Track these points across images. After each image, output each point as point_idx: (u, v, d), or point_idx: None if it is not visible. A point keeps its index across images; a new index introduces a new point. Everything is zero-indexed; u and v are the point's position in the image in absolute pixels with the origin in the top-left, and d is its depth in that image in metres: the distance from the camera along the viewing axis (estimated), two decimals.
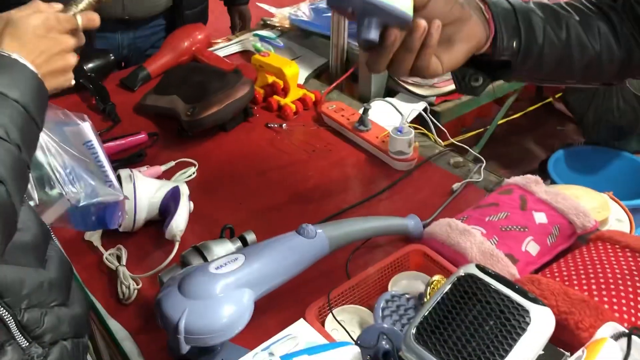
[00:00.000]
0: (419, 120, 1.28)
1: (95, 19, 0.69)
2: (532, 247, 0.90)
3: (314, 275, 0.85)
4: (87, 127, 0.68)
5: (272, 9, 1.72)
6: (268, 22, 1.69)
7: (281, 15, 1.68)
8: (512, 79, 0.79)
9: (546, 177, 1.90)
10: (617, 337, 0.66)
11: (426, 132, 1.23)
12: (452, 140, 1.21)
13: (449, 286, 0.66)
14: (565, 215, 0.95)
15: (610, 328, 0.67)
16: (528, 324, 0.60)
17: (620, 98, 1.77)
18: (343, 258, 0.92)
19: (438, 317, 0.64)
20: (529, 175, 1.02)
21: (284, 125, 1.28)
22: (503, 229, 0.91)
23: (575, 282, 0.83)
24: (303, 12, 1.66)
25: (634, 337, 0.66)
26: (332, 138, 1.25)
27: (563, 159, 1.95)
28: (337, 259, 0.91)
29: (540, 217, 0.94)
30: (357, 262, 0.93)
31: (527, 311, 0.61)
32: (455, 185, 1.08)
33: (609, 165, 1.96)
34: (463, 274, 0.66)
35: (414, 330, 0.63)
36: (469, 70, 0.73)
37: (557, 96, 2.04)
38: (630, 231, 1.53)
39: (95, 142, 0.68)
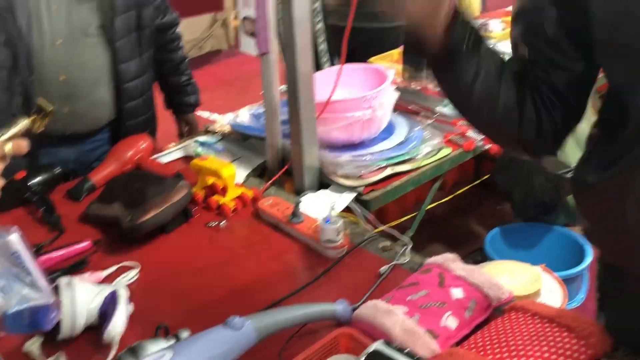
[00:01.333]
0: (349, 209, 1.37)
1: (23, 146, 0.76)
2: (451, 322, 0.97)
3: None
4: (13, 239, 0.73)
5: (214, 116, 1.84)
6: (209, 128, 1.81)
7: (222, 122, 1.80)
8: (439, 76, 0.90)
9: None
10: None
11: (356, 219, 1.31)
12: (383, 227, 1.30)
13: None
14: (480, 289, 1.02)
15: None
16: None
17: (541, 176, 1.91)
18: (278, 347, 0.96)
19: None
20: (446, 254, 1.10)
21: (222, 223, 1.34)
22: (423, 307, 0.98)
23: (489, 351, 0.89)
24: (242, 117, 1.78)
25: None
26: (269, 231, 1.32)
27: (499, 236, 2.05)
28: (273, 348, 0.95)
29: (457, 293, 1.01)
30: (292, 350, 0.96)
31: None
32: (383, 268, 1.15)
33: (542, 239, 2.07)
34: (372, 351, 0.72)
35: None
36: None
37: (484, 178, 2.18)
38: (563, 299, 1.62)
39: (22, 252, 0.74)
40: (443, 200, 1.86)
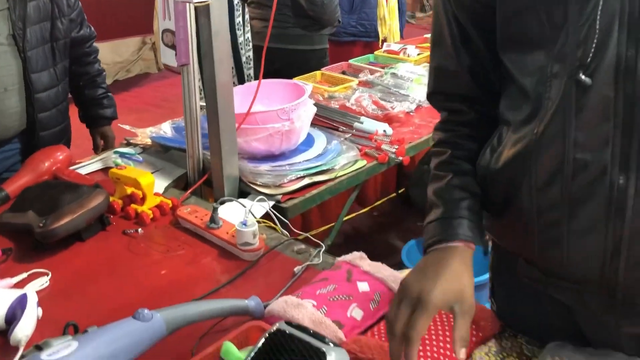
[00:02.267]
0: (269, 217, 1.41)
1: None
2: (356, 313, 1.02)
3: None
4: None
5: (134, 129, 1.84)
6: (131, 141, 1.81)
7: (143, 134, 1.81)
8: None
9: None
10: None
11: (273, 225, 1.35)
12: (299, 233, 1.34)
13: (262, 341, 0.75)
14: (385, 283, 1.08)
15: None
16: None
17: None
18: (192, 343, 0.98)
19: None
20: (356, 253, 1.16)
21: (139, 230, 1.35)
22: (331, 299, 1.03)
23: None
24: (164, 130, 1.80)
25: None
26: (187, 238, 1.34)
27: (415, 248, 2.14)
28: (188, 344, 0.97)
29: (363, 286, 1.07)
30: (204, 345, 0.98)
31: (324, 353, 0.70)
32: (297, 268, 1.19)
33: None
34: (274, 330, 0.75)
35: None
36: None
37: (400, 191, 2.28)
38: None
39: None
40: (362, 212, 1.93)
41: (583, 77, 0.74)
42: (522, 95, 0.83)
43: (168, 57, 1.43)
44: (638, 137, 0.73)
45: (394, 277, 1.10)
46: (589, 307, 0.85)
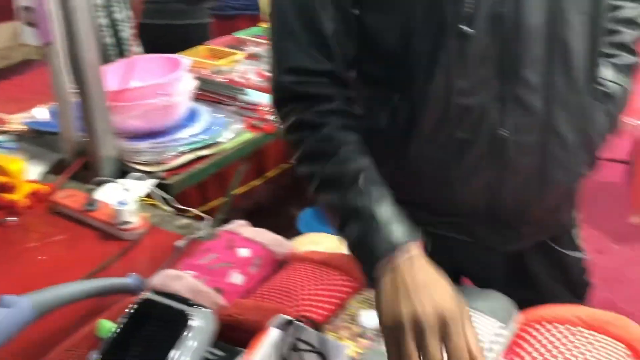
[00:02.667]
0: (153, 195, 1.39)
1: None
2: (237, 278, 1.03)
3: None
4: None
5: (6, 116, 1.74)
6: (2, 128, 1.71)
7: (15, 121, 1.71)
8: None
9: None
10: (282, 325, 0.80)
11: (156, 202, 1.34)
12: (184, 208, 1.33)
13: (129, 311, 0.75)
14: (266, 247, 1.11)
15: (277, 320, 0.81)
16: (189, 325, 0.71)
17: None
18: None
19: (121, 339, 0.72)
20: (237, 221, 1.18)
21: (13, 219, 1.29)
22: (211, 268, 1.04)
23: (272, 298, 0.98)
24: (36, 115, 1.71)
25: (294, 322, 0.80)
26: (66, 224, 1.29)
27: (312, 216, 2.18)
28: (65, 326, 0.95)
29: (244, 252, 1.08)
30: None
31: (187, 315, 0.72)
32: (178, 242, 1.19)
33: None
34: (141, 299, 0.76)
35: (96, 356, 0.70)
36: None
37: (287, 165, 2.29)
38: None
39: None
40: (256, 184, 1.94)
41: (464, 28, 0.79)
42: (397, 53, 0.84)
43: (29, 35, 1.35)
44: (512, 79, 0.81)
45: (275, 240, 1.12)
46: (476, 235, 0.94)
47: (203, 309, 0.72)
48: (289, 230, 2.16)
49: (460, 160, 0.87)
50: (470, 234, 0.95)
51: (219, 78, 2.07)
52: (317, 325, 0.80)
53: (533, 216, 0.94)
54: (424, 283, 0.68)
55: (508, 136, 0.83)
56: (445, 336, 0.64)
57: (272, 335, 0.78)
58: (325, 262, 1.04)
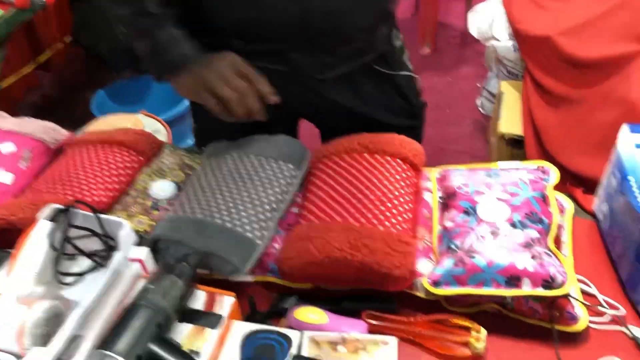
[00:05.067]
0: None
1: None
2: (4, 177, 0.90)
3: None
4: None
5: None
6: None
7: None
8: None
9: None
10: (52, 216, 0.72)
11: None
12: None
13: None
14: (35, 138, 0.97)
15: (46, 211, 0.72)
16: None
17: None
18: None
19: None
20: None
21: None
22: None
23: (49, 190, 0.87)
24: None
25: (68, 210, 0.72)
26: None
27: (106, 97, 2.00)
28: None
29: (8, 147, 0.94)
30: None
31: None
32: None
33: (149, 89, 2.10)
34: None
35: None
36: None
37: (66, 40, 2.04)
38: (167, 136, 1.69)
39: None
40: (25, 72, 1.69)
41: None
42: None
43: None
44: None
45: (43, 128, 0.99)
46: (293, 64, 0.91)
47: None
48: (83, 120, 1.98)
49: None
50: (286, 62, 0.92)
51: None
52: (96, 209, 0.73)
53: (347, 35, 0.91)
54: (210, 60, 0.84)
55: None
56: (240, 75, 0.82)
57: (40, 227, 0.69)
58: (106, 141, 0.94)
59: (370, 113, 1.00)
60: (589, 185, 0.90)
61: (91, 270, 0.69)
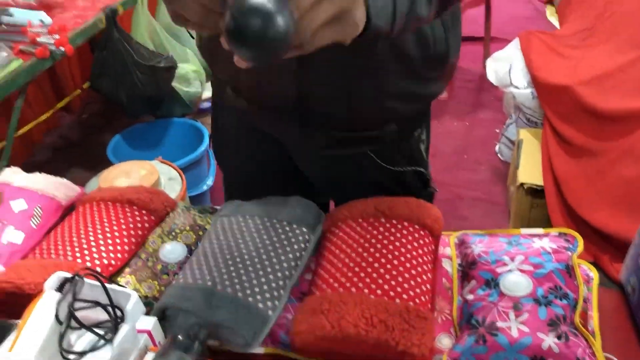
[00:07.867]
0: None
1: None
2: (15, 237, 0.89)
3: None
4: None
5: None
6: None
7: None
8: None
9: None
10: (59, 284, 0.70)
11: None
12: None
13: None
14: (45, 194, 0.96)
15: (52, 280, 0.70)
16: None
17: (138, 71, 1.88)
18: None
19: None
20: (7, 169, 1.00)
21: None
22: None
23: (57, 251, 0.85)
24: None
25: (74, 279, 0.70)
26: None
27: (122, 142, 2.01)
28: None
29: (19, 205, 0.93)
30: None
31: None
32: None
33: (164, 134, 2.11)
34: None
35: None
36: None
37: (85, 86, 2.08)
38: (182, 184, 1.68)
39: None
40: (45, 118, 1.70)
41: None
42: None
43: None
44: None
45: (55, 184, 0.98)
46: (290, 135, 0.91)
47: None
48: (104, 165, 1.99)
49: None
50: (283, 130, 0.92)
51: None
52: (104, 278, 0.71)
53: (345, 123, 0.88)
54: None
55: None
56: None
57: (47, 298, 0.67)
58: (118, 199, 0.93)
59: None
60: (611, 240, 0.86)
61: (96, 347, 0.67)
